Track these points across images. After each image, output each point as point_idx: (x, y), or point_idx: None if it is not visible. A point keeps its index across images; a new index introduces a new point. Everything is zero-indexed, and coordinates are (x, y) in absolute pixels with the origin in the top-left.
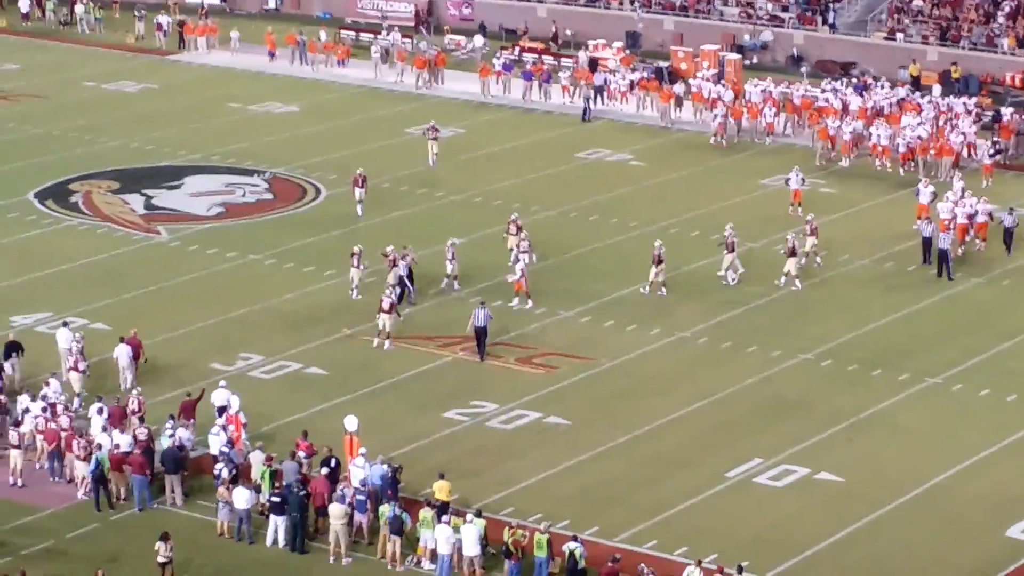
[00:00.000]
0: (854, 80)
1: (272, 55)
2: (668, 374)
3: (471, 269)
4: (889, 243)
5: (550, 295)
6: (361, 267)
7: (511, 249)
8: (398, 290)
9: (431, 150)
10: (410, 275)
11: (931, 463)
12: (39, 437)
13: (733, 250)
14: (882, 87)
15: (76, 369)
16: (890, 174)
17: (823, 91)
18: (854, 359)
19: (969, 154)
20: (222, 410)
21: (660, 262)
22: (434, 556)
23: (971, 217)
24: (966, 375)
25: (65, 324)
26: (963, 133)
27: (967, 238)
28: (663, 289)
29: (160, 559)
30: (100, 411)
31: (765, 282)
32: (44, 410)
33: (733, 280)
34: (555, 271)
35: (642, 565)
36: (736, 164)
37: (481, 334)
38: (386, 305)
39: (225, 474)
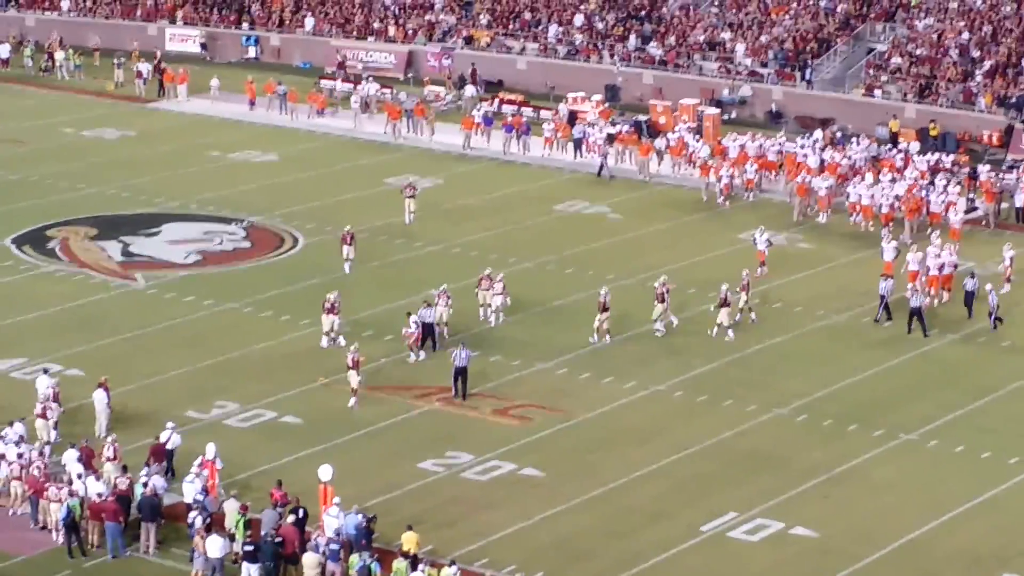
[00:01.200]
0: (837, 135)
1: (252, 104)
2: (643, 427)
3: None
4: (865, 299)
5: (526, 346)
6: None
7: (483, 305)
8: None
9: (407, 208)
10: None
11: (906, 519)
12: (15, 483)
13: (664, 300)
14: (857, 143)
15: (44, 416)
16: (869, 230)
17: (802, 147)
18: (829, 414)
19: (946, 213)
20: (170, 453)
21: (605, 310)
22: None
23: (940, 268)
24: (941, 431)
25: (45, 371)
26: (942, 192)
27: (935, 292)
28: (608, 337)
29: None
30: (80, 459)
31: (739, 336)
32: (20, 456)
33: (660, 332)
34: (532, 322)
35: None
36: (713, 219)
37: (462, 374)
38: (350, 361)
39: (199, 523)
